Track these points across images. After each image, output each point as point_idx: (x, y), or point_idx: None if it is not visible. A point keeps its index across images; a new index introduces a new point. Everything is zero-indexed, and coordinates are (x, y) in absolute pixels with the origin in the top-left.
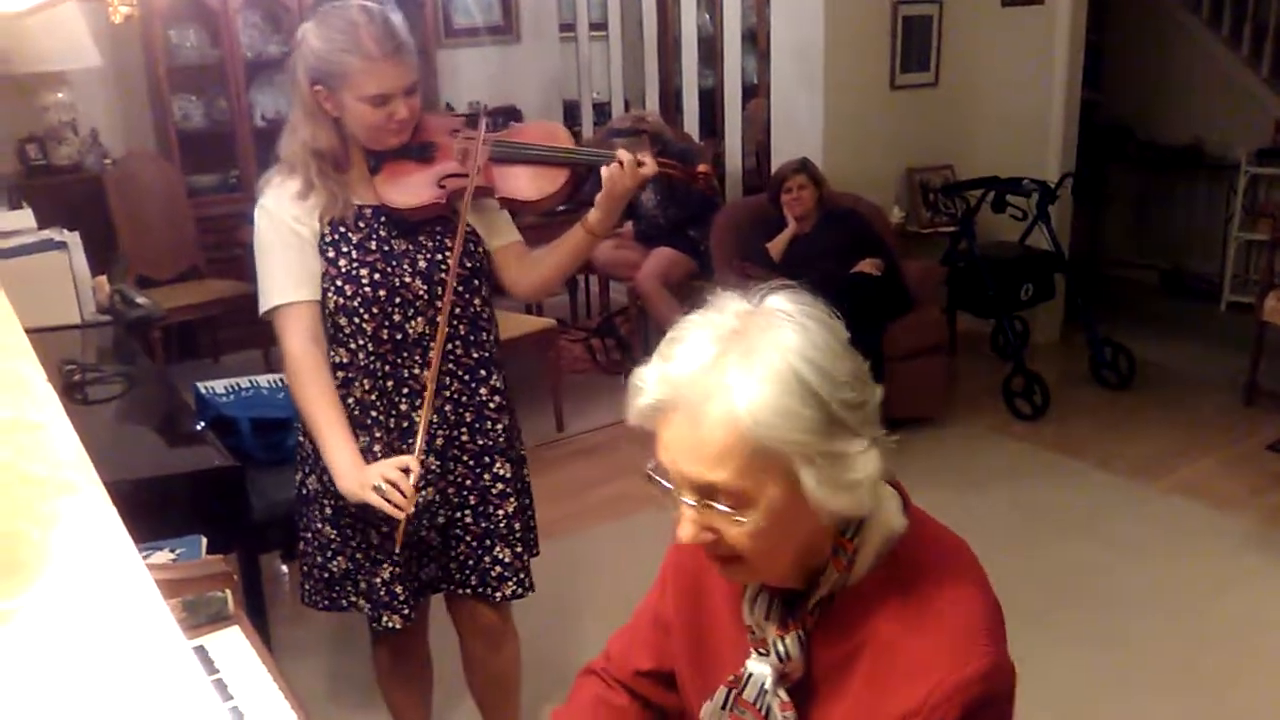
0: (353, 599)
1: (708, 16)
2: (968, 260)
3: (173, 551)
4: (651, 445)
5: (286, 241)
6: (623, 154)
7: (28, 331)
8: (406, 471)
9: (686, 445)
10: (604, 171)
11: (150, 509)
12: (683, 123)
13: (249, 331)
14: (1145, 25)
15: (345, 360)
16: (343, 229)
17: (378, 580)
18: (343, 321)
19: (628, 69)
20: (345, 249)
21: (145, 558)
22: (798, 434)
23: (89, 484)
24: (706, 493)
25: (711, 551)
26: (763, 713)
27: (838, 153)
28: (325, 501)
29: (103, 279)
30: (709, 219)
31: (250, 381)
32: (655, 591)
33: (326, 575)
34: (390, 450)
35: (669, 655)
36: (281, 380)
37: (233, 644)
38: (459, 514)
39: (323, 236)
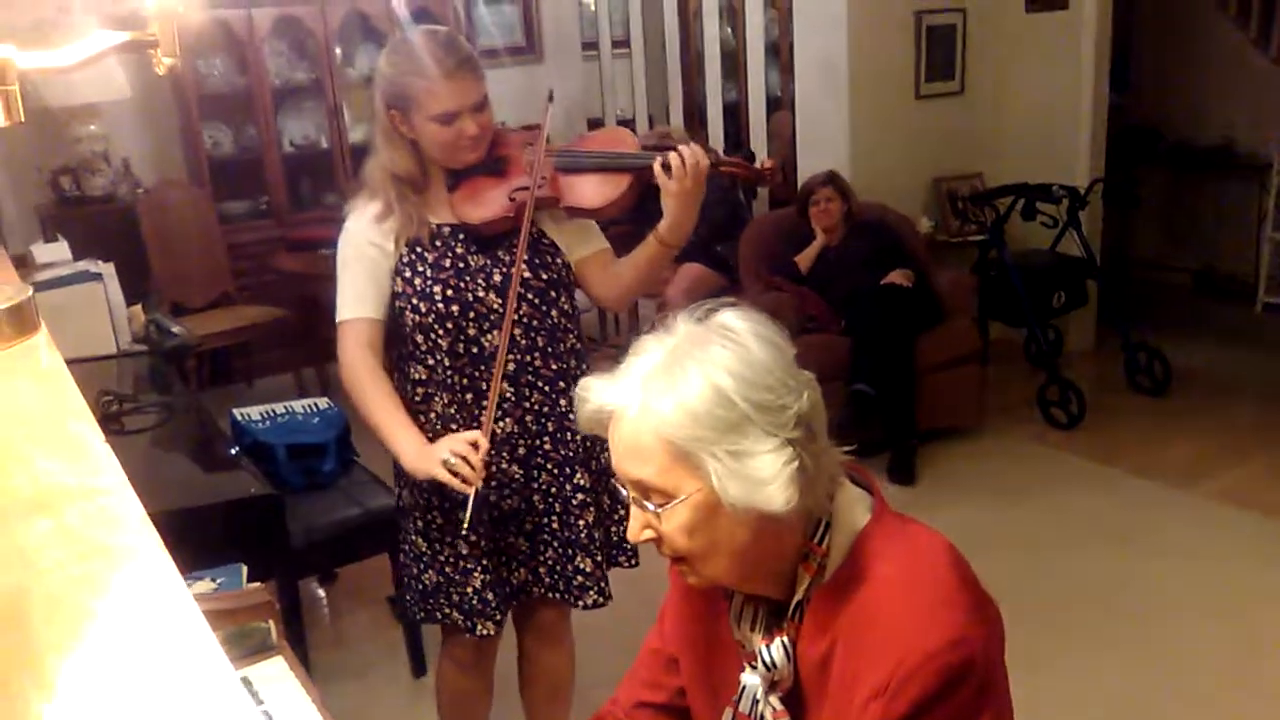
0: (446, 610)
1: (730, 30)
2: (999, 269)
3: (214, 580)
4: None
5: (359, 260)
6: (681, 149)
7: (66, 363)
8: (475, 446)
9: (618, 447)
10: (660, 176)
11: (190, 539)
12: (707, 137)
13: (282, 356)
14: (1173, 25)
15: (424, 376)
16: (419, 249)
17: (469, 590)
18: (419, 339)
19: (651, 85)
20: (421, 268)
21: (187, 587)
22: (703, 431)
23: (153, 550)
24: (641, 491)
25: (663, 552)
26: None
27: (864, 164)
28: (416, 515)
29: (138, 309)
30: (737, 234)
31: (285, 408)
32: (655, 631)
33: (420, 587)
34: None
35: (670, 688)
36: (317, 405)
37: (277, 675)
38: (545, 520)
39: (400, 258)
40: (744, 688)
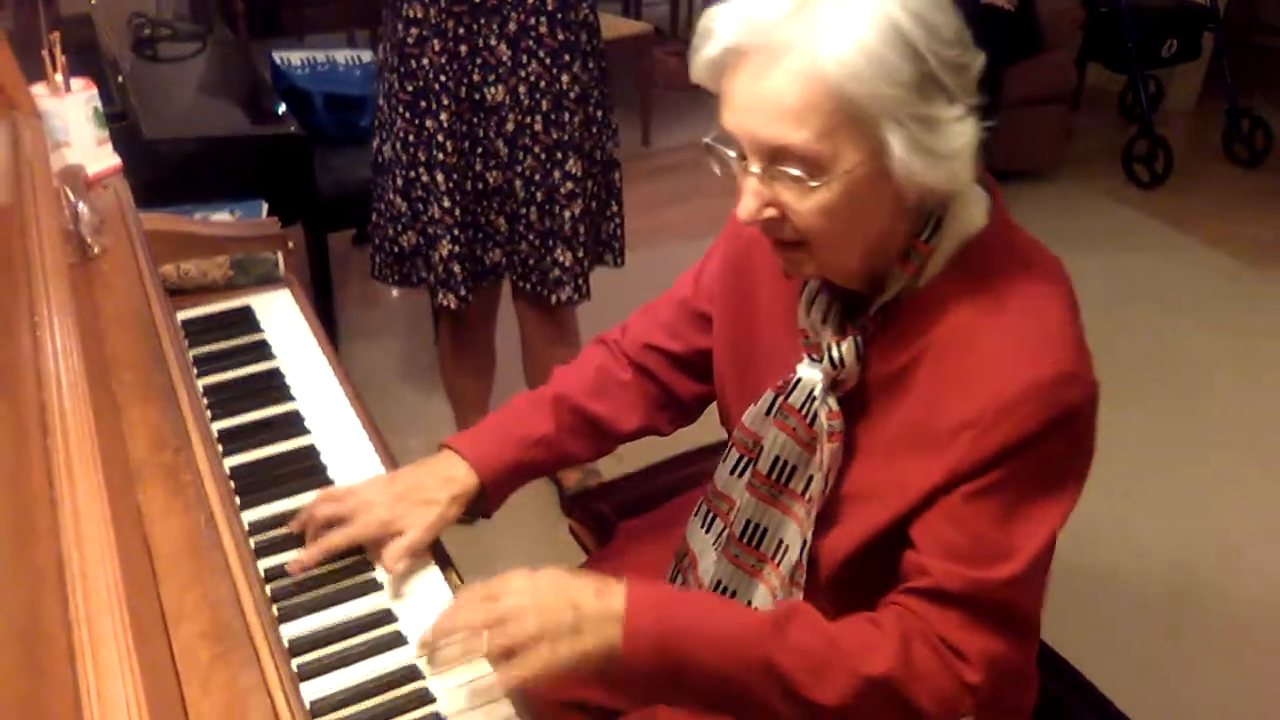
0: (422, 275)
1: None
2: (1111, 4)
3: (233, 213)
4: None
5: None
6: None
7: None
8: None
9: (760, 100)
10: None
11: (214, 170)
12: None
13: (336, 11)
14: None
15: (418, 15)
16: None
17: (436, 256)
18: None
19: None
20: None
21: (206, 216)
22: (889, 88)
23: None
24: (776, 158)
25: (774, 234)
26: (808, 419)
27: None
28: (397, 171)
29: None
30: None
31: (327, 56)
32: (689, 279)
33: (396, 250)
34: (459, 122)
35: (689, 342)
36: (360, 57)
37: (280, 306)
38: (525, 209)
39: None
40: (799, 379)
